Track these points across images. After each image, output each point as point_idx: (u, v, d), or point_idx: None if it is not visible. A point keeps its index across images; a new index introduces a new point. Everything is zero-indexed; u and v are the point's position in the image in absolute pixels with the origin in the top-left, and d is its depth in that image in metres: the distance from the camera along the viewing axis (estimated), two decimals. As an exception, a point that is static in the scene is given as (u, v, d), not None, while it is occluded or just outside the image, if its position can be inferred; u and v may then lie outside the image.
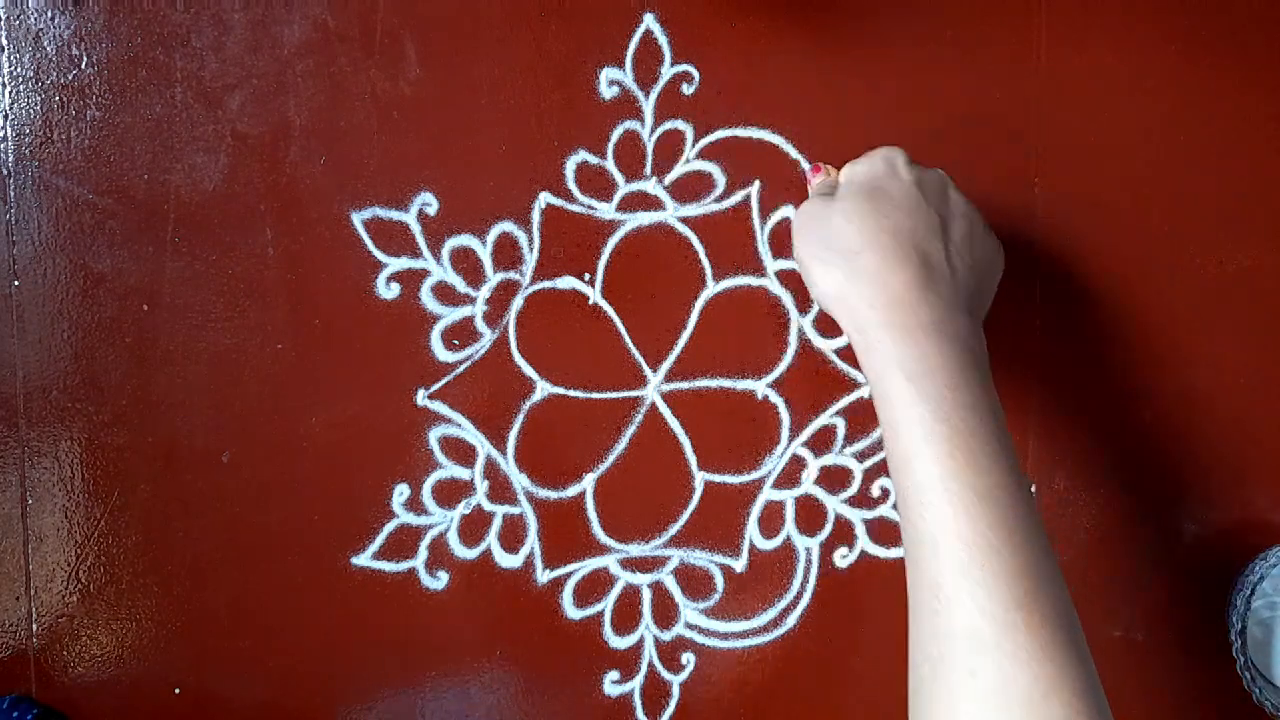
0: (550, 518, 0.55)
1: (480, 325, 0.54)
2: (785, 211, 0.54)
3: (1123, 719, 0.58)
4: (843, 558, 0.56)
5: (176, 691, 0.54)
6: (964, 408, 0.38)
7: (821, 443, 0.56)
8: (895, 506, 0.39)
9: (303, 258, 0.53)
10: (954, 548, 0.36)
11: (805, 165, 0.53)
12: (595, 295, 0.54)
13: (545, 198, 0.53)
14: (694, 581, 0.56)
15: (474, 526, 0.55)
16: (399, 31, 0.52)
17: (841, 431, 0.56)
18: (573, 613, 0.55)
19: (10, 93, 0.51)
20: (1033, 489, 0.56)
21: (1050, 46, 0.54)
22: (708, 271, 0.54)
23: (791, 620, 0.56)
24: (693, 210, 0.54)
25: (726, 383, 0.55)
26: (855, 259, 0.41)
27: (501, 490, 0.54)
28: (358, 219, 0.53)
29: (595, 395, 0.55)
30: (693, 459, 0.55)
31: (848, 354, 0.55)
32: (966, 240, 0.43)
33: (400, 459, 0.54)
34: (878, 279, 0.40)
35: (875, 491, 0.56)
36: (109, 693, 0.54)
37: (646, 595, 0.56)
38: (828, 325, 0.55)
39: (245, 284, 0.52)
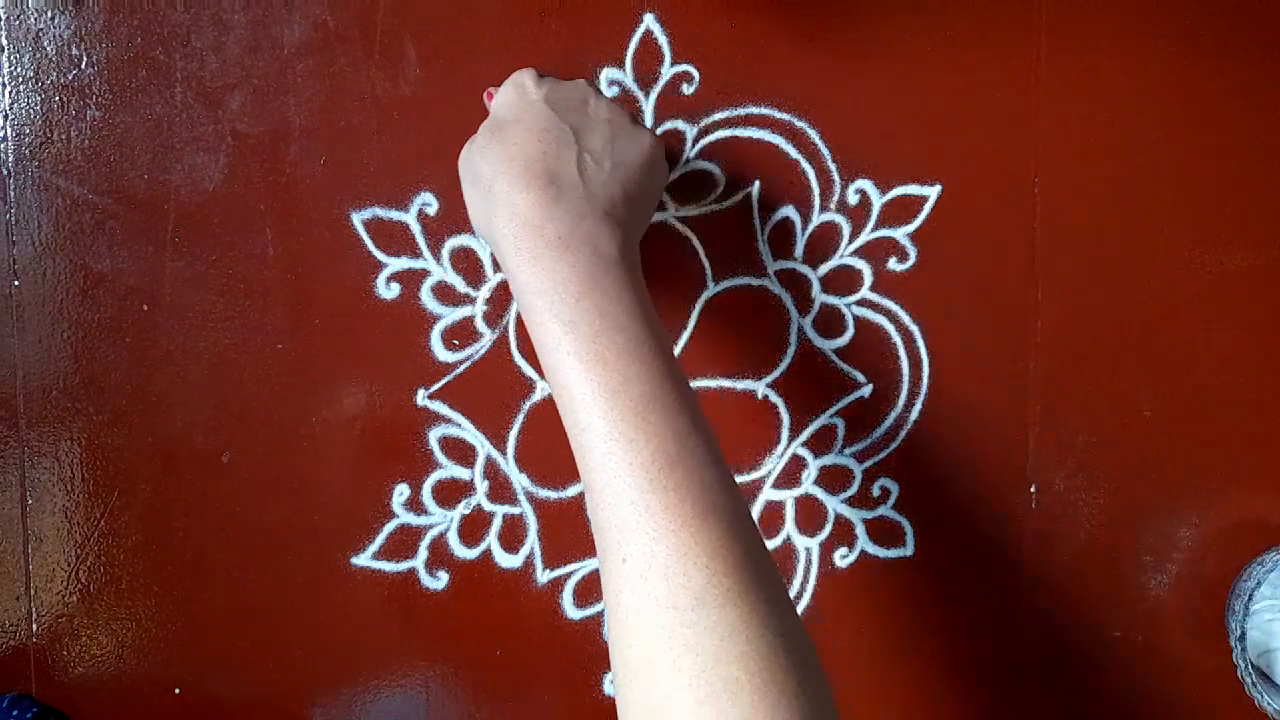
0: (550, 518, 0.55)
1: (480, 325, 0.54)
2: (785, 211, 0.54)
3: (1123, 719, 0.58)
4: (842, 558, 0.56)
5: (176, 691, 0.54)
6: (591, 312, 0.39)
7: (821, 443, 0.56)
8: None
9: (303, 258, 0.53)
10: (593, 444, 0.38)
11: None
12: (595, 295, 0.54)
13: (545, 198, 0.53)
14: (694, 581, 0.56)
15: (474, 526, 0.55)
16: (399, 31, 0.52)
17: (841, 431, 0.56)
18: (573, 613, 0.55)
19: (10, 93, 0.51)
20: (1032, 490, 0.56)
21: (1050, 46, 0.54)
22: (708, 271, 0.54)
23: (791, 620, 0.56)
24: (693, 210, 0.54)
25: (726, 383, 0.55)
26: (490, 190, 0.42)
27: (501, 490, 0.54)
28: (358, 219, 0.53)
29: (595, 395, 0.54)
30: (693, 459, 0.55)
31: (848, 354, 0.55)
32: (606, 146, 0.44)
33: (400, 459, 0.54)
34: (507, 205, 0.41)
35: (875, 491, 0.56)
36: (109, 693, 0.54)
37: (646, 595, 0.56)
38: (827, 325, 0.55)
39: (245, 284, 0.52)
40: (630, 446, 0.37)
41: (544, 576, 0.55)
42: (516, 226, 0.41)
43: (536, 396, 0.54)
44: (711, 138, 0.53)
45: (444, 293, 0.53)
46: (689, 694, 0.35)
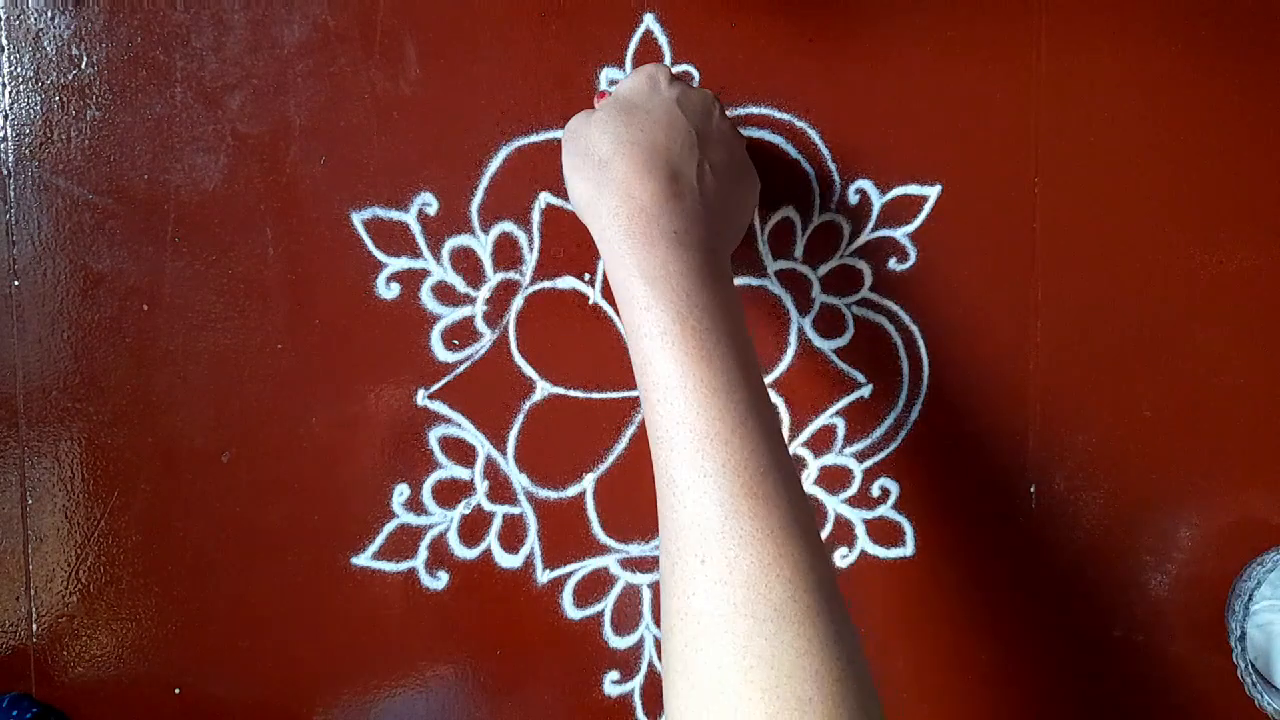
0: (550, 518, 0.55)
1: (480, 325, 0.54)
2: (785, 212, 0.54)
3: (1123, 719, 0.58)
4: (843, 558, 0.56)
5: (176, 691, 0.54)
6: (700, 309, 0.39)
7: (821, 443, 0.56)
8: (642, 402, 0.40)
9: (303, 258, 0.53)
10: (687, 440, 0.37)
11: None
12: (595, 295, 0.54)
13: (545, 198, 0.53)
14: (694, 581, 0.56)
15: (474, 526, 0.55)
16: (399, 31, 0.52)
17: (841, 431, 0.56)
18: (573, 613, 0.55)
19: (10, 93, 0.51)
20: (1032, 490, 0.56)
21: (1050, 46, 0.54)
22: (708, 271, 0.54)
23: (791, 620, 0.56)
24: (693, 210, 0.54)
25: (726, 383, 0.55)
26: (605, 169, 0.41)
27: (501, 490, 0.54)
28: (358, 219, 0.53)
29: (595, 395, 0.54)
30: (693, 459, 0.55)
31: (847, 354, 0.55)
32: (724, 164, 0.44)
33: (400, 459, 0.54)
34: (624, 189, 0.40)
35: (875, 491, 0.56)
36: (109, 693, 0.54)
37: (646, 595, 0.56)
38: (827, 325, 0.55)
39: (245, 284, 0.53)
40: (726, 448, 0.37)
41: (544, 576, 0.55)
42: (632, 210, 0.40)
43: (536, 396, 0.54)
44: (711, 138, 0.53)
45: (444, 293, 0.53)
46: (760, 707, 0.34)
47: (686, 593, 0.36)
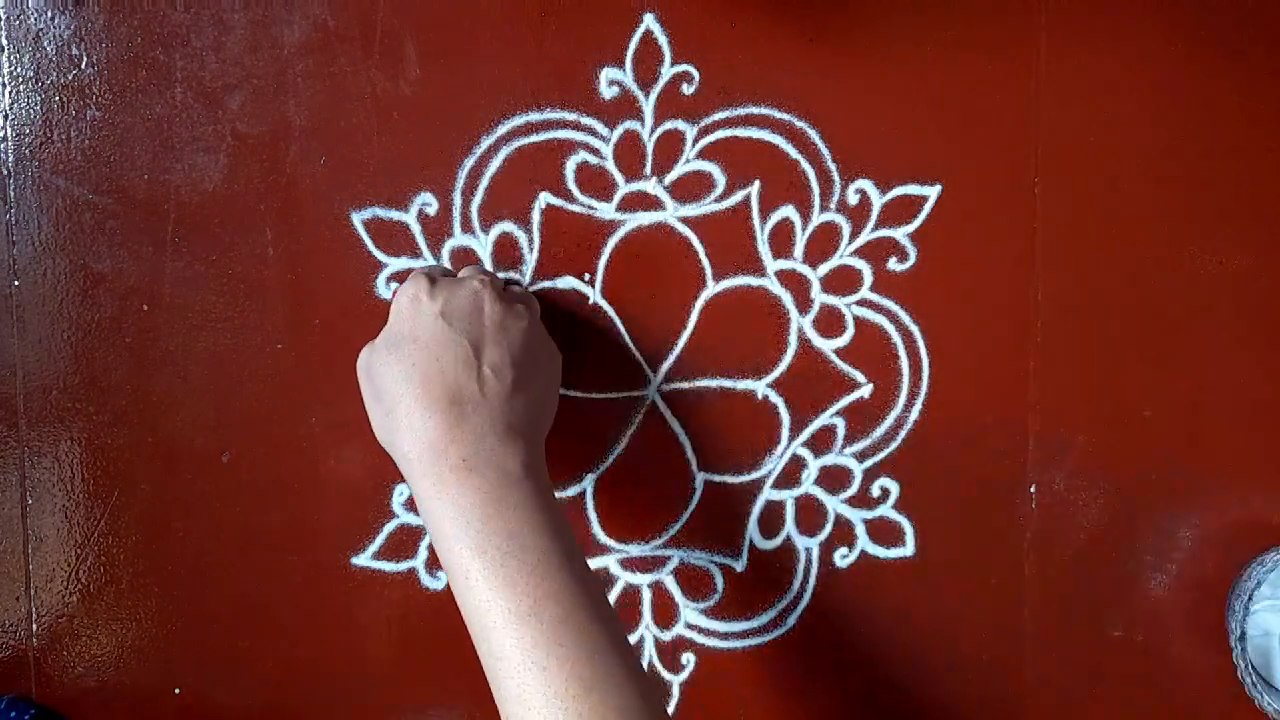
0: (550, 518, 0.55)
1: (480, 325, 0.53)
2: (785, 211, 0.54)
3: (1123, 719, 0.58)
4: (843, 558, 0.56)
5: (176, 691, 0.54)
6: (499, 534, 0.40)
7: (821, 443, 0.56)
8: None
9: (303, 258, 0.53)
10: (509, 675, 0.39)
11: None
12: (595, 295, 0.54)
13: (545, 198, 0.53)
14: (694, 581, 0.56)
15: (474, 526, 0.54)
16: (399, 31, 0.52)
17: (841, 431, 0.56)
18: (573, 613, 0.55)
19: (10, 93, 0.51)
20: (1032, 490, 0.56)
21: (1050, 46, 0.54)
22: (708, 271, 0.54)
23: (791, 620, 0.56)
24: (693, 210, 0.54)
25: (726, 383, 0.55)
26: (392, 413, 0.43)
27: (501, 490, 0.54)
28: (358, 219, 0.53)
29: (595, 395, 0.54)
30: (693, 459, 0.55)
31: (848, 354, 0.55)
32: (505, 358, 0.44)
33: (400, 459, 0.54)
34: (411, 428, 0.42)
35: (875, 491, 0.56)
36: (109, 693, 0.54)
37: (646, 595, 0.56)
38: (828, 325, 0.55)
39: (245, 284, 0.53)
40: (544, 675, 0.38)
41: (544, 576, 0.55)
42: (421, 450, 0.41)
43: (536, 396, 0.54)
44: (711, 138, 0.53)
45: (444, 293, 0.53)
46: None
47: None
